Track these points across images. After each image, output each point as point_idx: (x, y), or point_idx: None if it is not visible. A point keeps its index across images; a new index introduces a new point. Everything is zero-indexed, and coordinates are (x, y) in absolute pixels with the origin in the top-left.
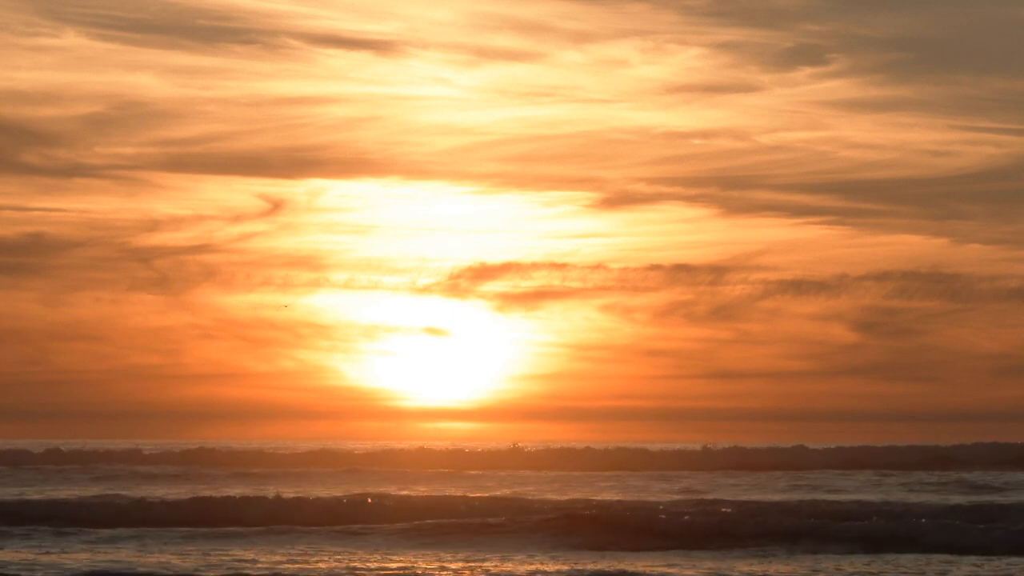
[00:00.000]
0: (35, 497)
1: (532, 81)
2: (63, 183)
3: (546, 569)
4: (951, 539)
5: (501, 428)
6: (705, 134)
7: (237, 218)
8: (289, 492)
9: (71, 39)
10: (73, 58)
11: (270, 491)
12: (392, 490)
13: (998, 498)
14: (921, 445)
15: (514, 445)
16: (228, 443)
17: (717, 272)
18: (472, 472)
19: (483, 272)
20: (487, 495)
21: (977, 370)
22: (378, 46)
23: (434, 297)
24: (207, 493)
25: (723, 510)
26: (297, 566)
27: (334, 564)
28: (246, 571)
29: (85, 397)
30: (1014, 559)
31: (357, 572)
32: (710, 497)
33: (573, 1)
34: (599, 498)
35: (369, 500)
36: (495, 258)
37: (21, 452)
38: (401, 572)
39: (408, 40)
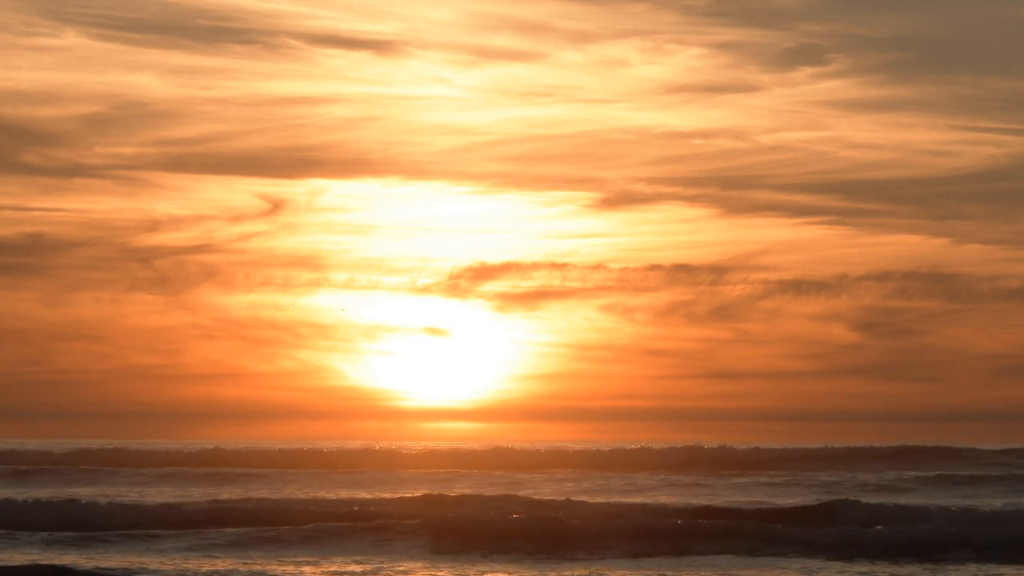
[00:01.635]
0: None
1: (532, 81)
2: (63, 183)
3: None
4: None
5: (501, 428)
6: (705, 134)
7: (237, 218)
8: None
9: (71, 39)
10: (73, 58)
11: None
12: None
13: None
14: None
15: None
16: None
17: (717, 272)
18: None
19: (483, 272)
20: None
21: (977, 370)
22: (378, 46)
23: (434, 297)
24: None
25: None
26: None
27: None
28: None
29: (85, 397)
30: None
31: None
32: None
33: (573, 1)
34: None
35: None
36: (495, 258)
37: None
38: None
39: (408, 40)
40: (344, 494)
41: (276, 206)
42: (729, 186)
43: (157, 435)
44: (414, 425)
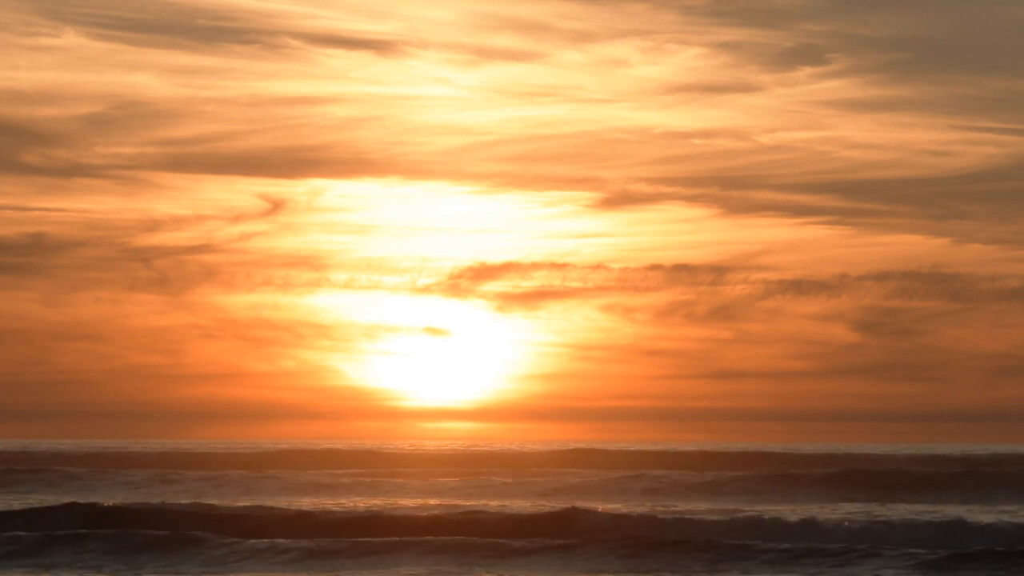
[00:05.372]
0: None
1: (532, 81)
2: (63, 183)
3: None
4: None
5: (502, 428)
6: (705, 134)
7: (237, 218)
8: None
9: (71, 39)
10: (73, 58)
11: None
12: None
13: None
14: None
15: None
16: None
17: (717, 272)
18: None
19: (483, 272)
20: None
21: (977, 370)
22: (378, 46)
23: (434, 297)
24: None
25: None
26: None
27: None
28: None
29: (85, 397)
30: None
31: None
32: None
33: (573, 1)
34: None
35: None
36: (495, 258)
37: None
38: None
39: (408, 40)
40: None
41: (276, 206)
42: (729, 186)
43: (157, 435)
44: (414, 425)
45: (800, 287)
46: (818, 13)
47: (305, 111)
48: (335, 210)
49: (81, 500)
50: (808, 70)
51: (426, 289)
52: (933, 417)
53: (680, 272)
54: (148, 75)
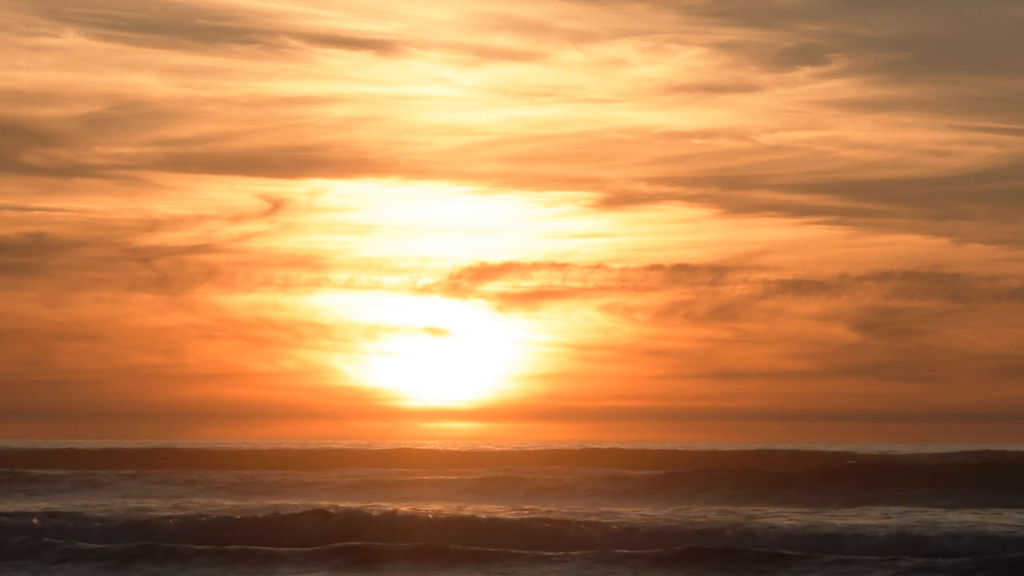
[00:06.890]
0: None
1: (532, 81)
2: (63, 183)
3: None
4: None
5: (502, 428)
6: (705, 134)
7: (237, 218)
8: None
9: (71, 39)
10: (73, 58)
11: None
12: None
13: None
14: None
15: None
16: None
17: (717, 272)
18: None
19: (483, 272)
20: None
21: (977, 370)
22: (378, 46)
23: (434, 297)
24: None
25: None
26: None
27: None
28: None
29: (85, 397)
30: None
31: None
32: None
33: (573, 1)
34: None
35: None
36: (495, 258)
37: None
38: None
39: (408, 40)
40: None
41: (276, 206)
42: (729, 186)
43: (157, 435)
44: (414, 425)
45: (800, 287)
46: (818, 13)
47: (305, 111)
48: (335, 210)
49: None
50: (808, 70)
51: (426, 289)
52: (933, 417)
53: (680, 272)
54: (148, 75)
